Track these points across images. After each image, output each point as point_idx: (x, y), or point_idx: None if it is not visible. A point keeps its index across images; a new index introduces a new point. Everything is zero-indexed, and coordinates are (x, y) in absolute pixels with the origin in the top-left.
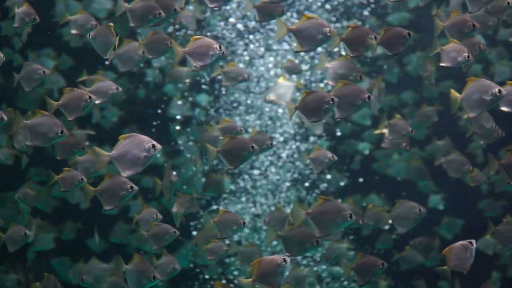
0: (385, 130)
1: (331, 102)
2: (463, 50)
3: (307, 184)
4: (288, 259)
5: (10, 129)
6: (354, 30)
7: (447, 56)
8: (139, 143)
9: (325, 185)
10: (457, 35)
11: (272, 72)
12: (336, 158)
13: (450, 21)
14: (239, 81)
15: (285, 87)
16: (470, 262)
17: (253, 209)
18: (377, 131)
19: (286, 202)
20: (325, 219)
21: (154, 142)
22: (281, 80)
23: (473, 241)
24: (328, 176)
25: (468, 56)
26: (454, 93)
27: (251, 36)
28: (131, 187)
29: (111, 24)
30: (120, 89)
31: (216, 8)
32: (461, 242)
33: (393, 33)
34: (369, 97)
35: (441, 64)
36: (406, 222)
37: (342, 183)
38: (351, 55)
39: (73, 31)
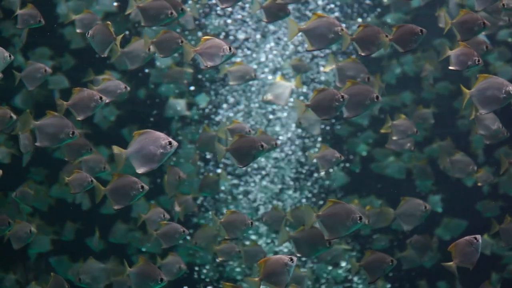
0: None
1: (342, 100)
2: (472, 54)
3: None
4: (294, 258)
5: (8, 128)
6: (365, 29)
7: (456, 60)
8: (155, 140)
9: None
10: (467, 33)
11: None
12: (343, 157)
13: (459, 18)
14: (246, 80)
15: (283, 87)
16: (476, 258)
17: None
18: (382, 131)
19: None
20: (334, 222)
21: (171, 139)
22: (278, 80)
23: (478, 237)
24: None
25: (478, 60)
26: (465, 90)
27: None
28: (142, 187)
29: (109, 22)
30: (128, 88)
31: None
32: (466, 237)
33: (406, 30)
34: (377, 97)
35: (451, 68)
36: (412, 220)
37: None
38: (362, 54)
39: (78, 30)
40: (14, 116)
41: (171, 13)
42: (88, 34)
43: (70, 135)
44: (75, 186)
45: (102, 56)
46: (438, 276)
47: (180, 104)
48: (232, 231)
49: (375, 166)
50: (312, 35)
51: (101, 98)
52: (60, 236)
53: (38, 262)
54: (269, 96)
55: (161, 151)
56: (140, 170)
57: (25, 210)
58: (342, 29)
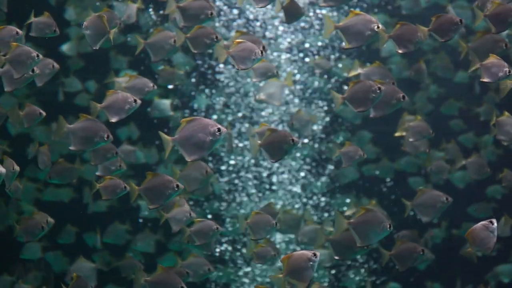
0: (405, 133)
1: (378, 91)
2: (503, 65)
3: None
4: (318, 253)
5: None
6: (403, 27)
7: (487, 72)
8: (203, 127)
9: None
10: (501, 25)
11: None
12: (366, 155)
13: (493, 10)
14: (268, 76)
15: (275, 86)
16: (493, 242)
17: None
18: (397, 134)
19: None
20: (366, 229)
21: (219, 126)
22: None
23: (494, 220)
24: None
25: (509, 71)
26: (507, 82)
27: None
28: (177, 186)
29: (104, 15)
30: (156, 86)
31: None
32: (482, 222)
33: (445, 20)
34: (403, 97)
35: (482, 80)
36: (431, 211)
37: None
38: (400, 51)
39: None
40: (44, 113)
41: (211, 14)
42: (83, 25)
43: (105, 139)
44: (108, 193)
45: (95, 48)
46: (432, 277)
47: (165, 105)
48: (258, 232)
49: (366, 169)
50: (348, 33)
51: (135, 100)
52: (57, 239)
53: (37, 262)
54: (262, 96)
55: (210, 138)
56: (189, 158)
57: (28, 212)
58: (378, 27)
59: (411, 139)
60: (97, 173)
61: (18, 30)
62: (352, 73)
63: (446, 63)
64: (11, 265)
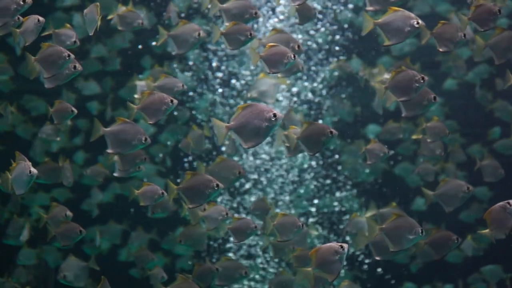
0: (421, 136)
1: (422, 81)
2: None
3: None
4: (345, 246)
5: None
6: (444, 26)
7: None
8: (259, 113)
9: None
10: None
11: None
12: (390, 153)
13: None
14: (293, 72)
15: (267, 84)
16: (511, 223)
17: None
18: (414, 136)
19: None
20: (398, 234)
21: (275, 111)
22: (261, 76)
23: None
24: None
25: None
26: None
27: None
28: (217, 185)
29: (97, 3)
30: (185, 86)
31: None
32: (499, 203)
33: (484, 9)
34: (435, 98)
35: None
36: (453, 201)
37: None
38: (441, 50)
39: (120, 28)
40: (75, 111)
41: (255, 13)
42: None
43: (143, 141)
44: (146, 199)
45: (90, 35)
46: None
47: None
48: (284, 233)
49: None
50: (388, 29)
51: (172, 101)
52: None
53: (37, 263)
54: (253, 93)
55: (267, 124)
56: (246, 145)
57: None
58: (418, 23)
59: (429, 140)
60: (115, 174)
61: (40, 18)
62: (378, 79)
63: (460, 63)
64: (12, 265)
